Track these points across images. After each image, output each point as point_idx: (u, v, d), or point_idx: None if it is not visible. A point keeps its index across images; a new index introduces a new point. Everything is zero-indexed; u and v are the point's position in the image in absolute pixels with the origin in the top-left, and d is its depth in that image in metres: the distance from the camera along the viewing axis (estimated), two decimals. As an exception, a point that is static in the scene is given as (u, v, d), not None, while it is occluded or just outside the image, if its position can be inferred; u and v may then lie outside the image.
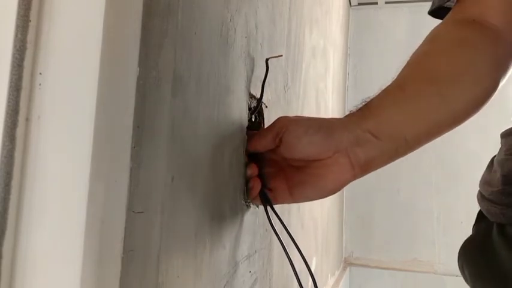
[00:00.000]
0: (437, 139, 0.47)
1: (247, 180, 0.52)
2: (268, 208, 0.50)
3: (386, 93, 0.46)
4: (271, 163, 0.49)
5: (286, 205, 0.77)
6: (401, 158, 0.48)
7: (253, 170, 0.50)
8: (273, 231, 0.52)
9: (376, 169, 0.46)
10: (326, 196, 0.46)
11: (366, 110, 0.45)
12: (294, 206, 0.83)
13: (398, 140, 0.44)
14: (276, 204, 0.50)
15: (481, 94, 0.46)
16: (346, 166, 0.44)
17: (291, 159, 0.47)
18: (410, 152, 0.46)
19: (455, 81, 0.45)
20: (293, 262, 0.50)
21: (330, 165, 0.44)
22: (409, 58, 0.48)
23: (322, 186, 0.45)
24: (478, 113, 0.48)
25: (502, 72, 0.47)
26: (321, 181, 0.45)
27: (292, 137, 0.44)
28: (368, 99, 0.46)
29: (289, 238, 0.50)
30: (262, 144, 0.48)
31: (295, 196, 0.48)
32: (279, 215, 0.51)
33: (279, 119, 0.47)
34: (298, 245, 0.50)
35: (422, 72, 0.46)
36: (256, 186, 0.50)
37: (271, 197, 0.49)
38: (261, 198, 0.50)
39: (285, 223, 0.51)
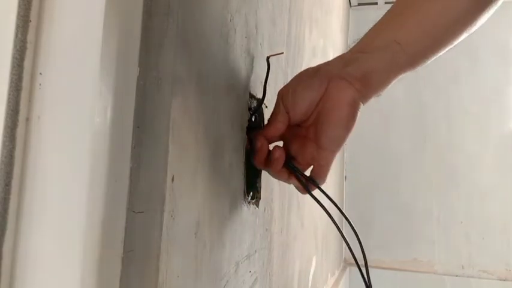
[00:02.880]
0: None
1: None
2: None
3: (376, 22, 0.46)
4: (292, 143, 0.48)
5: (286, 205, 0.77)
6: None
7: (279, 151, 0.47)
8: (313, 199, 0.49)
9: (386, 81, 0.45)
10: (350, 124, 0.45)
11: (354, 46, 0.46)
12: (294, 206, 0.83)
13: (389, 46, 0.43)
14: (327, 169, 0.48)
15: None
16: (344, 85, 0.44)
17: (306, 120, 0.47)
18: (416, 61, 0.44)
19: None
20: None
21: (331, 94, 0.44)
22: None
23: (339, 118, 0.45)
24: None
25: None
26: (335, 114, 0.45)
27: (291, 95, 0.45)
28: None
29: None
30: (281, 122, 0.47)
31: (330, 146, 0.46)
32: (313, 179, 0.48)
33: (278, 93, 0.47)
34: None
35: None
36: (281, 156, 0.47)
37: (317, 168, 0.48)
38: (289, 169, 0.48)
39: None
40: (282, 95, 0.47)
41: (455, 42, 0.46)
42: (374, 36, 0.45)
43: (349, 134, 0.46)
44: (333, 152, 0.47)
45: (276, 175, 0.50)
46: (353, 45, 0.47)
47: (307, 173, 0.50)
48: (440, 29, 0.44)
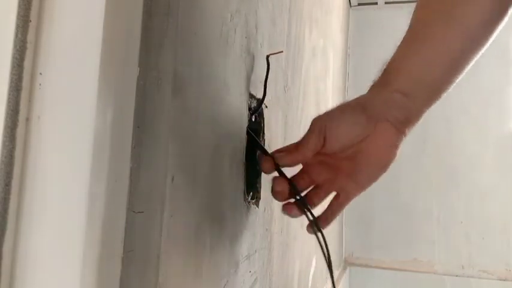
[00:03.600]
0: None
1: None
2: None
3: (401, 48, 0.46)
4: (320, 171, 0.48)
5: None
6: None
7: (282, 185, 0.47)
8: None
9: (419, 119, 0.46)
10: (389, 165, 0.47)
11: (387, 74, 0.46)
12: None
13: (427, 88, 0.45)
14: (350, 201, 0.50)
15: (494, 8, 0.44)
16: (391, 130, 0.45)
17: (340, 153, 0.47)
18: (444, 92, 0.46)
19: (463, 0, 0.44)
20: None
21: (377, 136, 0.45)
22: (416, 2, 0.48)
23: (381, 159, 0.46)
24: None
25: None
26: (377, 155, 0.46)
27: (334, 128, 0.45)
28: (386, 62, 0.47)
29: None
30: (310, 150, 0.46)
31: (363, 183, 0.48)
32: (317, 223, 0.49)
33: (314, 121, 0.47)
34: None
35: (427, 11, 0.46)
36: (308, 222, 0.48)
37: (343, 197, 0.49)
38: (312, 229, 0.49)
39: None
40: (320, 125, 0.46)
41: (476, 58, 0.47)
42: (409, 75, 0.45)
43: (385, 172, 0.47)
44: (365, 188, 0.49)
45: (287, 211, 0.50)
46: (383, 72, 0.46)
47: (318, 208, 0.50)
48: (466, 53, 0.45)
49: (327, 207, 0.50)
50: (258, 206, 0.59)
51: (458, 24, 0.44)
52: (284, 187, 0.47)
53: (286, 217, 0.77)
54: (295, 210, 0.48)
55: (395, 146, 0.46)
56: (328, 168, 0.48)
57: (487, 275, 1.87)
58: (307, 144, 0.46)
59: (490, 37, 0.46)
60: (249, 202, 0.56)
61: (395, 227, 1.98)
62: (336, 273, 1.70)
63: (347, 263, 2.01)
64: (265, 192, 0.62)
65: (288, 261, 0.80)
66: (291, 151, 0.47)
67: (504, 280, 1.84)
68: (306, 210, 0.48)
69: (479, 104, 1.92)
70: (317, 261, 1.18)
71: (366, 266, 2.01)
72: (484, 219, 1.87)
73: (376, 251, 1.99)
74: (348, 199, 0.49)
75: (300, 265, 0.91)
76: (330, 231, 1.46)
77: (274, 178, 0.48)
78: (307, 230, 0.50)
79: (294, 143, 0.49)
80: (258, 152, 0.54)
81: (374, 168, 0.47)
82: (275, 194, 0.48)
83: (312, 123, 0.47)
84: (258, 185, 0.59)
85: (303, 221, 0.51)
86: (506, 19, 0.45)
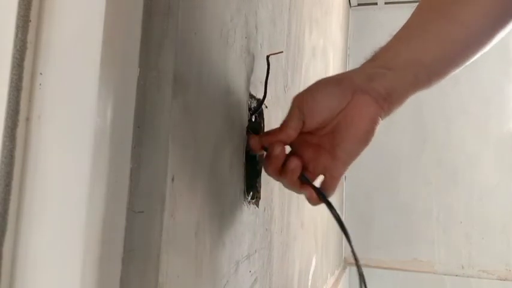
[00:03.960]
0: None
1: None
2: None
3: (395, 36, 0.46)
4: (304, 150, 0.47)
5: (285, 205, 0.77)
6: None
7: (296, 161, 0.46)
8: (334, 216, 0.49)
9: (404, 99, 0.45)
10: (369, 139, 0.45)
11: (376, 54, 0.45)
12: (293, 206, 0.83)
13: (413, 66, 0.44)
14: (338, 180, 0.48)
15: (494, 6, 0.43)
16: (370, 103, 0.44)
17: (320, 129, 0.46)
18: (435, 79, 0.45)
19: (463, 1, 0.44)
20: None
21: (354, 107, 0.44)
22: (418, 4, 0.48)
23: (358, 131, 0.45)
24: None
25: None
26: (355, 127, 0.44)
27: (310, 102, 0.44)
28: (377, 48, 0.46)
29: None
30: (294, 128, 0.46)
31: (345, 158, 0.46)
32: (321, 191, 0.47)
33: (294, 99, 0.46)
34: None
35: (424, 6, 0.46)
36: (312, 192, 0.47)
37: (329, 178, 0.47)
38: (316, 192, 0.47)
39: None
40: (298, 101, 0.45)
41: (474, 58, 0.46)
42: (396, 53, 0.45)
43: (366, 147, 0.46)
44: (347, 164, 0.47)
45: (289, 185, 0.48)
46: (372, 55, 0.46)
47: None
48: (460, 49, 0.44)
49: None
50: (258, 206, 0.59)
51: (455, 22, 0.44)
52: (298, 164, 0.46)
53: (286, 217, 0.77)
54: (297, 185, 0.47)
55: (373, 120, 0.44)
56: (312, 147, 0.47)
57: (487, 274, 1.87)
58: (290, 122, 0.46)
59: (489, 39, 0.45)
60: (249, 202, 0.56)
61: (395, 227, 1.98)
62: (335, 273, 1.70)
63: (347, 263, 2.01)
64: (265, 192, 0.62)
65: (288, 261, 0.80)
66: (276, 132, 0.47)
67: (504, 280, 1.84)
68: (310, 183, 0.47)
69: (479, 103, 1.92)
70: (317, 260, 1.18)
71: (366, 266, 2.01)
72: (484, 219, 1.87)
73: (376, 250, 1.99)
74: (333, 180, 0.47)
75: (300, 265, 0.91)
76: (330, 230, 1.46)
77: (290, 157, 0.46)
78: (311, 201, 0.48)
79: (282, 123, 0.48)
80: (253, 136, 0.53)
81: (352, 141, 0.45)
82: (289, 171, 0.46)
83: (293, 101, 0.46)
84: (258, 185, 0.59)
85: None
86: (510, 26, 0.45)
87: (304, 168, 0.47)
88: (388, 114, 0.46)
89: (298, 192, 0.48)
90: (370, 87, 0.43)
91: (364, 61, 0.47)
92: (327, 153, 0.46)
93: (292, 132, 0.46)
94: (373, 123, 0.44)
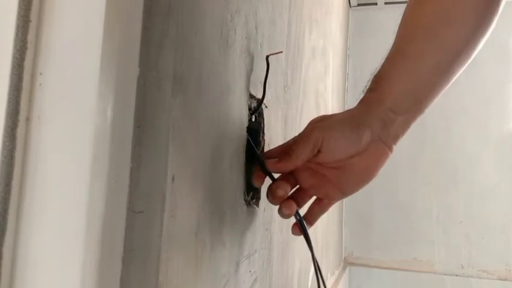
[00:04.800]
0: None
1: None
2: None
3: (391, 64, 0.48)
4: (307, 174, 0.49)
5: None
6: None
7: (286, 189, 0.49)
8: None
9: (403, 136, 0.49)
10: (372, 180, 0.49)
11: (379, 90, 0.47)
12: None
13: (414, 107, 0.47)
14: (332, 205, 0.52)
15: (477, 27, 0.46)
16: (384, 150, 0.47)
17: (329, 162, 0.47)
18: (431, 101, 0.48)
19: (447, 22, 0.46)
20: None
21: (369, 154, 0.46)
22: (402, 15, 0.50)
23: (368, 174, 0.48)
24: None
25: (491, 5, 0.46)
26: (366, 170, 0.48)
27: (332, 143, 0.46)
28: (375, 74, 0.48)
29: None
30: (303, 160, 0.47)
31: (347, 192, 0.50)
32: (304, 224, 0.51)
33: (311, 130, 0.47)
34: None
35: (415, 29, 0.48)
36: (295, 226, 0.50)
37: (326, 204, 0.51)
38: (300, 228, 0.50)
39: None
40: (317, 136, 0.46)
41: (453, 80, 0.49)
42: (401, 92, 0.47)
43: None
44: (346, 196, 0.50)
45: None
46: (372, 81, 0.48)
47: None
48: (453, 74, 0.48)
49: (308, 210, 0.52)
50: (258, 206, 0.59)
51: (440, 45, 0.46)
52: (284, 189, 0.48)
53: (286, 217, 0.77)
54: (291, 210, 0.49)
55: (383, 164, 0.48)
56: (315, 175, 0.49)
57: (487, 274, 1.87)
58: (301, 154, 0.46)
59: (473, 53, 0.47)
60: (249, 202, 0.56)
61: (395, 227, 1.98)
62: (335, 273, 1.70)
63: (347, 263, 2.01)
64: (265, 192, 0.62)
65: (288, 261, 0.80)
66: (282, 159, 0.48)
67: (504, 280, 1.84)
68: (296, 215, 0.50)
69: (479, 103, 1.92)
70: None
71: (366, 265, 2.01)
72: (484, 219, 1.87)
73: (375, 250, 2.00)
74: (330, 204, 0.52)
75: (300, 265, 0.91)
76: (330, 231, 1.46)
77: (276, 183, 0.49)
78: (293, 231, 0.51)
79: (287, 145, 0.50)
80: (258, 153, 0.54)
81: (359, 182, 0.49)
82: (276, 197, 0.48)
83: (308, 131, 0.47)
84: (258, 185, 0.59)
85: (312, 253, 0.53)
86: (488, 34, 0.47)
87: (304, 191, 0.50)
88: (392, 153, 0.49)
89: (287, 217, 0.50)
90: (385, 136, 0.46)
91: (367, 88, 0.49)
92: (330, 183, 0.49)
93: (299, 163, 0.47)
94: (382, 167, 0.48)
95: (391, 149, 0.47)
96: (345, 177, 0.48)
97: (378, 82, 0.48)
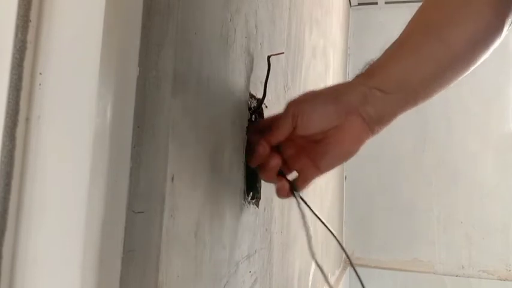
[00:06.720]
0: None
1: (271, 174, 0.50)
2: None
3: (388, 53, 0.48)
4: (288, 146, 0.50)
5: (286, 205, 0.77)
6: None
7: (277, 160, 0.49)
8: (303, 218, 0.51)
9: (391, 121, 0.48)
10: (349, 158, 0.49)
11: (370, 70, 0.47)
12: (294, 206, 0.83)
13: (406, 90, 0.46)
14: (309, 182, 0.51)
15: (478, 31, 0.46)
16: (361, 126, 0.46)
17: (309, 136, 0.48)
18: (422, 100, 0.48)
19: (450, 22, 0.46)
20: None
21: (345, 128, 0.46)
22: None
23: (343, 150, 0.48)
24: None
25: (501, 8, 0.46)
26: (341, 146, 0.47)
27: (307, 116, 0.46)
28: (371, 61, 0.48)
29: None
30: (283, 133, 0.48)
31: (322, 168, 0.49)
32: (308, 204, 0.51)
33: (289, 104, 0.48)
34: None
35: (417, 26, 0.49)
36: (285, 185, 0.50)
37: (301, 178, 0.50)
38: (291, 192, 0.50)
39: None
40: (293, 110, 0.47)
41: (458, 79, 0.49)
42: (389, 74, 0.47)
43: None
44: (322, 173, 0.50)
45: (267, 179, 0.51)
46: (366, 68, 0.48)
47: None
48: (452, 74, 0.47)
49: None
50: (258, 206, 0.59)
51: (443, 45, 0.46)
52: (278, 163, 0.49)
53: (286, 217, 0.77)
54: (274, 175, 0.50)
55: (360, 141, 0.47)
56: (295, 147, 0.50)
57: (487, 275, 1.87)
58: (281, 128, 0.48)
59: (478, 58, 0.47)
60: (249, 202, 0.56)
61: (396, 227, 1.98)
62: (336, 273, 1.70)
63: (347, 263, 2.01)
64: (265, 192, 0.62)
65: (288, 261, 0.80)
66: (266, 137, 0.49)
67: (504, 280, 1.84)
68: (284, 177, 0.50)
69: (480, 103, 1.92)
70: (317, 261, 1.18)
71: (366, 266, 2.01)
72: (484, 219, 1.87)
73: (376, 251, 1.99)
74: (305, 181, 0.50)
75: (300, 265, 0.91)
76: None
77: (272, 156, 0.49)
78: (280, 192, 0.50)
79: (270, 119, 0.52)
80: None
81: (336, 157, 0.49)
82: (270, 168, 0.49)
83: (287, 106, 0.48)
84: (258, 185, 0.59)
85: (304, 220, 0.52)
86: (499, 41, 0.47)
87: (283, 162, 0.50)
88: (374, 135, 0.48)
89: (273, 182, 0.51)
90: (364, 110, 0.46)
91: (359, 73, 0.49)
92: (307, 157, 0.49)
93: (281, 137, 0.48)
94: (359, 145, 0.48)
95: (372, 129, 0.47)
96: (321, 151, 0.48)
97: (372, 65, 0.48)
